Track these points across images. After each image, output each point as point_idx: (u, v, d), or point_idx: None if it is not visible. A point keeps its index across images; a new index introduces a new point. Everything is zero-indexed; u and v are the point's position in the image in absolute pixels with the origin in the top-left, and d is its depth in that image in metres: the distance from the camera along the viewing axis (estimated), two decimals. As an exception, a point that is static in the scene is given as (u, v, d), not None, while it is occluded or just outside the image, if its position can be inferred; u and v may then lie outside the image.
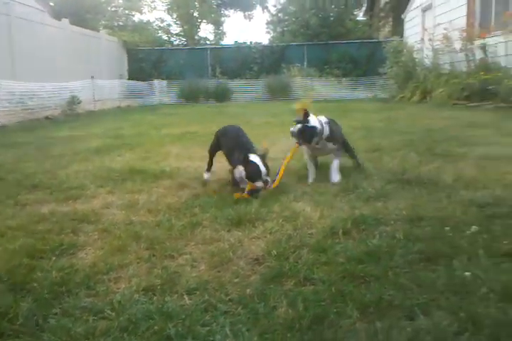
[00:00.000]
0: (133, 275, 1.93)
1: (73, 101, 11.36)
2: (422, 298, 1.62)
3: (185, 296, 1.74)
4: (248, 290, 1.75)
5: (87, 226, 2.57)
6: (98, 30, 18.14)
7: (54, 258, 2.12)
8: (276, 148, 4.95)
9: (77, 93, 11.67)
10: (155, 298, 1.74)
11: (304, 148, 3.57)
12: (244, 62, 19.33)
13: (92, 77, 12.85)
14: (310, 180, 3.52)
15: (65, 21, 13.92)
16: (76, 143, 5.91)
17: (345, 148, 3.74)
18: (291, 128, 3.39)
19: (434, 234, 2.19)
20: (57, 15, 14.73)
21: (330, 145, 3.47)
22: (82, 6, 20.52)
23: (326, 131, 3.39)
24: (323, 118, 3.47)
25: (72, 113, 11.09)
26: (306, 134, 3.34)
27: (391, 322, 1.49)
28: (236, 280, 1.86)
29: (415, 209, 2.60)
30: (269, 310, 1.60)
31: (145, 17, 35.06)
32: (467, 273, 1.75)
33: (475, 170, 3.51)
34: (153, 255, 2.13)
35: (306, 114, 3.37)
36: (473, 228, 2.21)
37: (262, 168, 3.13)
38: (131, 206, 2.92)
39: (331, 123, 3.50)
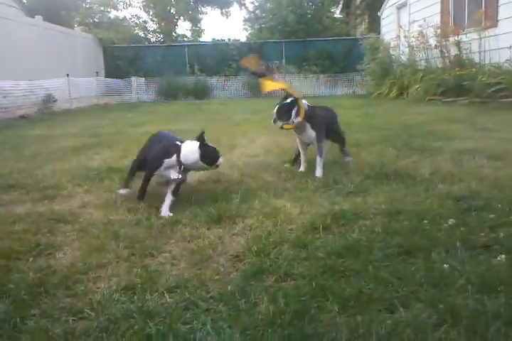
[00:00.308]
0: (112, 275, 1.91)
1: (49, 99, 11.14)
2: (402, 291, 1.65)
3: (165, 294, 1.73)
4: (229, 287, 1.75)
5: (65, 226, 2.53)
6: (73, 28, 17.83)
7: (31, 259, 2.09)
8: (256, 145, 4.96)
9: (52, 91, 11.45)
10: (135, 297, 1.72)
11: (296, 138, 3.68)
12: (223, 59, 19.22)
13: (68, 75, 12.61)
14: (302, 168, 3.64)
15: (39, 18, 13.61)
16: (52, 142, 5.79)
17: (337, 138, 3.82)
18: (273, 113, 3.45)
19: (413, 228, 2.22)
20: (31, 13, 14.37)
21: (308, 128, 3.49)
22: (56, 3, 20.13)
23: (306, 109, 3.47)
24: (305, 102, 3.57)
25: (47, 111, 10.88)
26: (283, 110, 3.40)
27: (371, 315, 1.50)
28: (217, 277, 1.85)
29: (394, 203, 2.63)
30: (250, 307, 1.60)
31: (121, 14, 34.58)
32: (445, 266, 1.78)
33: (451, 164, 3.57)
34: (133, 254, 2.11)
35: (288, 95, 3.51)
36: (451, 221, 2.24)
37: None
38: (110, 205, 2.88)
39: (315, 108, 3.64)
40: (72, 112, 11.56)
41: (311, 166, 3.61)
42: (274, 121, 3.46)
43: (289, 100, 3.46)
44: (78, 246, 2.25)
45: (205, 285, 1.78)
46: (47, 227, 2.49)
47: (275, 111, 3.44)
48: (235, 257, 2.05)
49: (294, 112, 3.41)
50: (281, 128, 3.46)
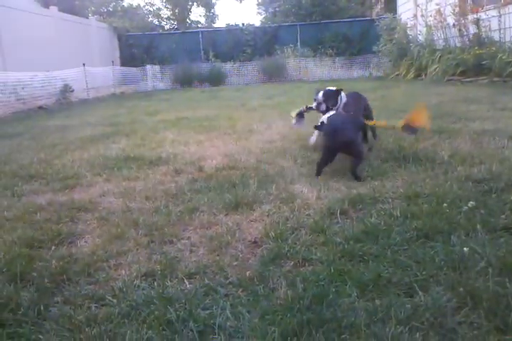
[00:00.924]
0: (133, 262, 1.94)
1: (66, 89, 11.26)
2: (421, 275, 1.64)
3: (185, 281, 1.75)
4: (247, 273, 1.76)
5: (85, 215, 2.57)
6: (87, 17, 17.85)
7: (53, 247, 2.13)
8: (272, 131, 4.94)
9: (69, 81, 11.55)
10: (155, 283, 1.75)
11: None
12: (237, 45, 19.08)
13: (84, 65, 12.69)
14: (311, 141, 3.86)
15: (54, 9, 13.67)
16: (70, 132, 5.86)
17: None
18: (318, 99, 3.68)
19: (432, 211, 2.19)
20: (46, 3, 14.44)
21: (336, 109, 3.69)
22: (70, -8, 20.14)
23: (344, 99, 3.74)
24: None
25: (65, 102, 11.00)
26: (331, 96, 3.68)
27: (390, 299, 1.50)
28: (235, 263, 1.86)
29: (412, 187, 2.60)
30: (269, 292, 1.61)
31: (134, 2, 34.46)
32: (465, 249, 1.76)
33: (471, 145, 3.50)
34: (152, 241, 2.14)
35: (318, 89, 3.80)
36: (470, 204, 2.21)
37: None
38: (128, 193, 2.92)
39: (349, 95, 3.84)
40: (90, 102, 11.66)
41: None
42: (319, 104, 3.67)
43: (333, 88, 3.76)
44: (99, 234, 2.29)
45: (223, 271, 1.80)
46: (68, 216, 2.53)
47: (321, 95, 3.67)
48: (252, 243, 2.06)
49: (339, 99, 3.69)
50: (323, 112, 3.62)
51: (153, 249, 2.05)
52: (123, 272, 1.87)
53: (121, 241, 2.17)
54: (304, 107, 3.91)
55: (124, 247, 2.09)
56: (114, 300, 1.64)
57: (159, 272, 1.82)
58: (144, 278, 1.80)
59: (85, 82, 12.65)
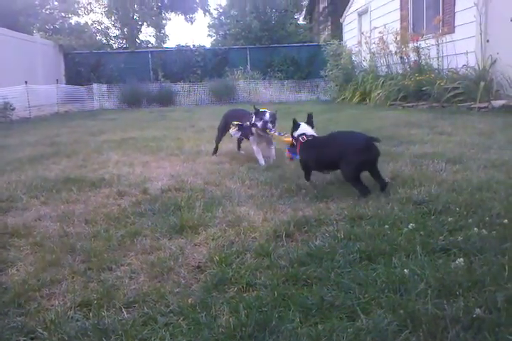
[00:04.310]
0: (67, 291, 1.83)
1: (6, 107, 10.78)
2: (363, 298, 1.64)
3: (123, 310, 1.67)
4: (189, 300, 1.71)
5: (18, 241, 2.42)
6: (32, 34, 17.35)
7: (-19, 277, 1.98)
8: (220, 152, 4.92)
9: (10, 99, 11.08)
10: (91, 313, 1.66)
11: (253, 138, 4.30)
12: (187, 66, 19.12)
13: (26, 83, 12.24)
14: (262, 162, 4.22)
15: (-5, 24, 13.21)
16: (8, 152, 5.58)
17: None
18: (265, 118, 4.06)
19: (374, 233, 2.23)
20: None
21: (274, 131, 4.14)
22: (14, 9, 19.57)
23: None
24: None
25: (5, 120, 10.53)
26: (273, 118, 4.11)
27: (333, 323, 1.49)
28: (177, 290, 1.80)
29: (356, 209, 2.65)
30: (211, 320, 1.56)
31: (82, 20, 33.86)
32: (406, 271, 1.78)
33: (411, 168, 3.63)
34: (90, 268, 2.03)
35: (256, 108, 4.17)
36: (411, 225, 2.26)
37: None
38: (67, 217, 2.78)
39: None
40: (31, 121, 11.22)
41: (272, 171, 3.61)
42: (265, 123, 4.05)
43: (271, 111, 4.17)
44: (32, 261, 2.15)
45: (164, 298, 1.73)
46: (-1, 242, 2.37)
47: (268, 115, 4.07)
48: (196, 268, 2.01)
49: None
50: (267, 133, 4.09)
51: (90, 277, 1.95)
52: (56, 302, 1.76)
53: (56, 268, 2.05)
54: (248, 123, 4.22)
55: (59, 275, 1.97)
56: (45, 333, 1.54)
57: (95, 301, 1.73)
58: (78, 308, 1.70)
59: (27, 100, 12.17)
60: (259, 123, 4.08)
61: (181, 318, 1.59)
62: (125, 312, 1.65)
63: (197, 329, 1.51)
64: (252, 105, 4.42)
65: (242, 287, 1.79)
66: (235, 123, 4.37)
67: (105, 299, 1.74)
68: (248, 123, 4.23)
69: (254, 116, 4.17)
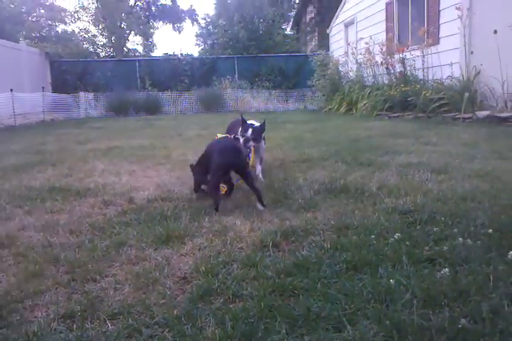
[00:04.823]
0: (50, 302, 1.80)
1: (-10, 115, 10.65)
2: (350, 308, 1.63)
3: (107, 322, 1.64)
4: (175, 312, 1.68)
5: (1, 251, 2.37)
6: (18, 41, 17.23)
7: (-39, 288, 1.93)
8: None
9: (-6, 107, 10.97)
10: (74, 325, 1.63)
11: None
12: (175, 74, 19.15)
13: (11, 90, 12.12)
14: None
15: (-20, 31, 13.10)
16: (-8, 161, 5.50)
17: None
18: (246, 135, 3.73)
19: (360, 243, 2.23)
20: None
21: (262, 143, 3.96)
22: (0, 16, 19.45)
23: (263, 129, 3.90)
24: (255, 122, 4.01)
25: (-11, 128, 10.40)
26: (258, 133, 3.79)
27: (319, 335, 1.48)
28: (162, 301, 1.78)
29: (342, 218, 2.65)
30: (197, 331, 1.54)
31: (69, 28, 33.80)
32: (391, 281, 1.79)
33: (397, 178, 3.66)
34: (74, 279, 2.00)
35: (243, 119, 3.86)
36: (397, 235, 2.27)
37: None
38: (51, 227, 2.74)
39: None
40: (16, 129, 11.10)
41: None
42: (247, 141, 3.73)
43: (259, 124, 3.88)
44: (15, 272, 2.11)
45: (149, 310, 1.71)
46: (-19, 253, 2.33)
47: (250, 132, 3.73)
48: (182, 279, 1.99)
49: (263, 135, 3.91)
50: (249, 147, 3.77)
51: (74, 288, 1.92)
52: (39, 314, 1.72)
53: (39, 279, 2.01)
54: (232, 136, 3.85)
55: (42, 286, 1.93)
56: (28, 346, 1.50)
57: (79, 313, 1.70)
58: (62, 320, 1.67)
59: (13, 108, 12.04)
60: (241, 140, 3.77)
61: (166, 330, 1.57)
62: (109, 324, 1.62)
63: (182, 341, 1.50)
64: (240, 114, 4.27)
65: (229, 298, 1.78)
66: (219, 135, 4.11)
67: (89, 310, 1.71)
68: (232, 136, 3.91)
69: (240, 128, 3.90)
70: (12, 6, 22.43)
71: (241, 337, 1.48)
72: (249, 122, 3.89)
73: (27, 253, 2.32)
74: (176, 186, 3.72)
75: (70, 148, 6.69)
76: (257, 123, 3.93)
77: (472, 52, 8.64)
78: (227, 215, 2.87)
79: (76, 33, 25.34)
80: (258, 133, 3.80)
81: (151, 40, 28.45)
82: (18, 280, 2.01)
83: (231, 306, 1.71)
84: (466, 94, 8.02)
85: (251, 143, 3.77)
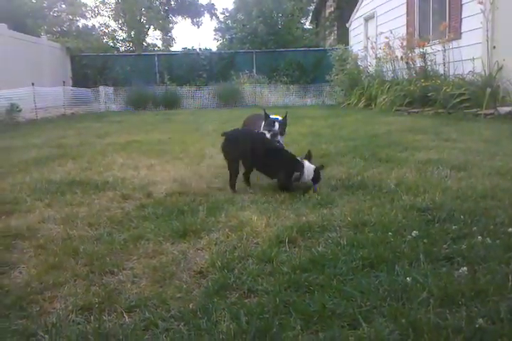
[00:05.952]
0: (69, 294, 1.83)
1: (12, 109, 10.83)
2: (365, 306, 1.63)
3: (124, 314, 1.67)
4: (191, 305, 1.70)
5: (22, 243, 2.43)
6: (39, 36, 17.47)
7: (-17, 278, 1.98)
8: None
9: (16, 101, 11.14)
10: (92, 317, 1.65)
11: None
12: (193, 69, 19.19)
13: (33, 84, 12.31)
14: None
15: (3, 26, 13.29)
16: (14, 154, 5.61)
17: None
18: (274, 130, 3.85)
19: (377, 240, 2.22)
20: (-5, 21, 14.03)
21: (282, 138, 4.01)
22: (22, 11, 19.73)
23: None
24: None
25: (11, 122, 10.57)
26: (284, 126, 3.96)
27: (334, 331, 1.48)
28: (179, 295, 1.80)
29: (359, 215, 2.64)
30: (212, 326, 1.55)
31: (89, 22, 34.08)
32: (408, 279, 1.77)
33: (416, 174, 3.62)
34: (92, 271, 2.03)
35: (266, 113, 3.99)
36: (414, 233, 2.25)
37: None
38: (70, 220, 2.78)
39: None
40: (38, 122, 11.28)
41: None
42: (275, 135, 3.84)
43: (281, 117, 4.02)
44: (35, 263, 2.15)
45: (166, 303, 1.73)
46: (2, 245, 2.38)
47: (277, 127, 3.88)
48: (198, 273, 2.00)
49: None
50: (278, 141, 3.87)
51: (93, 280, 1.95)
52: (58, 305, 1.76)
53: (58, 271, 2.05)
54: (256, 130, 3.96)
55: (61, 278, 1.97)
56: (46, 336, 1.53)
57: (97, 305, 1.73)
58: (80, 311, 1.70)
59: (34, 101, 12.24)
60: (268, 134, 3.83)
61: (182, 324, 1.58)
62: (126, 317, 1.65)
63: (197, 335, 1.51)
64: (263, 109, 4.21)
65: (244, 293, 1.79)
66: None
67: (107, 303, 1.74)
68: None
69: (263, 123, 3.98)
70: (34, 1, 22.72)
71: (256, 333, 1.48)
72: (272, 117, 4.00)
73: (47, 246, 2.36)
74: (193, 180, 3.74)
75: (89, 141, 6.78)
76: (280, 117, 4.05)
77: (494, 47, 8.45)
78: (244, 210, 2.88)
79: (96, 27, 25.63)
80: (283, 126, 3.97)
81: (170, 34, 28.56)
82: (38, 271, 2.05)
83: (246, 301, 1.72)
84: (488, 90, 7.86)
85: (278, 137, 3.90)
